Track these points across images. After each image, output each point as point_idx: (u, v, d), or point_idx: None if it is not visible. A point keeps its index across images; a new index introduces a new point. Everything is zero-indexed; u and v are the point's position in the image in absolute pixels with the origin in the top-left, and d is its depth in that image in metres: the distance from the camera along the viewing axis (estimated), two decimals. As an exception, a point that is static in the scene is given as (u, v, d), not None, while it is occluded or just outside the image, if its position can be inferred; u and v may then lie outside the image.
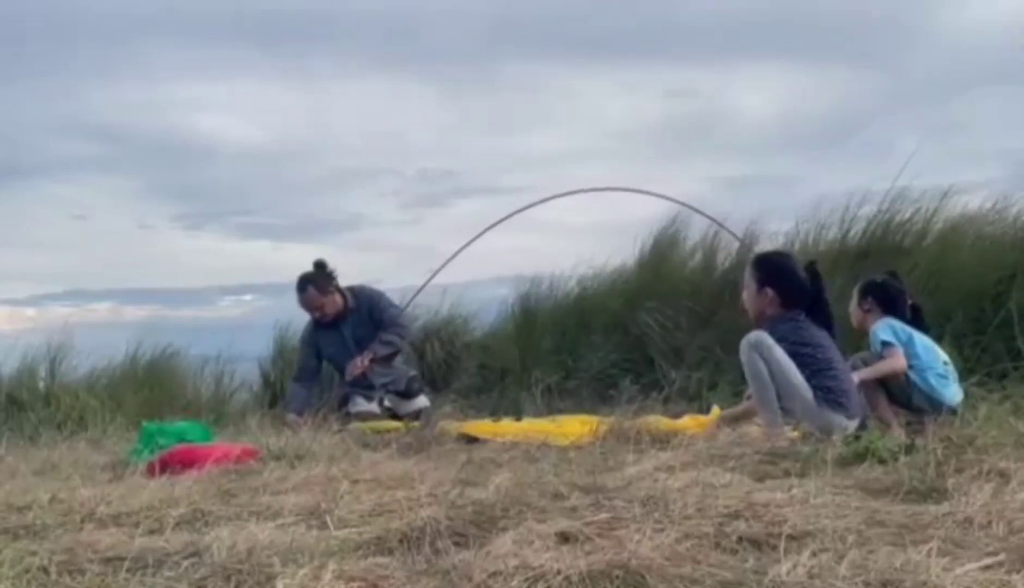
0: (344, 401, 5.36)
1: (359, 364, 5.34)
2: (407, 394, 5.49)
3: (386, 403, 5.46)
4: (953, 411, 3.66)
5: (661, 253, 7.24)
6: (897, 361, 3.86)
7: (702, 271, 6.95)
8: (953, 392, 3.86)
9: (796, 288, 3.80)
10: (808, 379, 3.61)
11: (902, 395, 3.85)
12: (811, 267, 3.89)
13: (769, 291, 3.81)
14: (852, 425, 3.53)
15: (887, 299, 4.09)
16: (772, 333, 3.71)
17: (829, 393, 3.58)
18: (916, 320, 4.08)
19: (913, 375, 3.82)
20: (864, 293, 4.15)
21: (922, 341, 3.94)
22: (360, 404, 5.32)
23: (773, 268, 3.91)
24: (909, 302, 4.11)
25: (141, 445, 3.83)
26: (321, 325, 5.54)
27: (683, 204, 6.86)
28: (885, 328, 3.97)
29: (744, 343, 3.70)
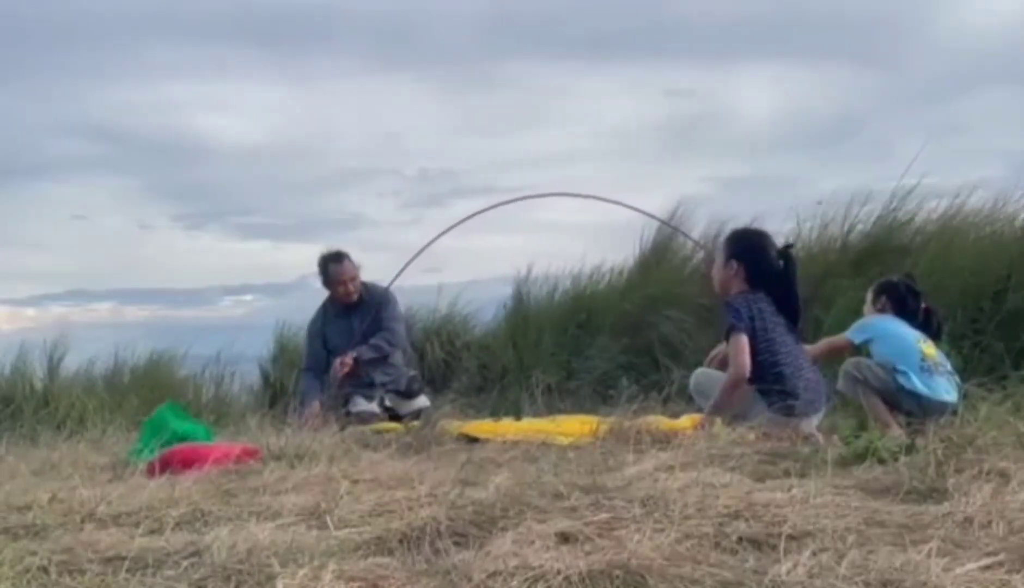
0: (344, 401, 5.37)
1: (340, 364, 5.31)
2: (407, 394, 5.49)
3: (387, 402, 5.46)
4: (950, 409, 3.64)
5: (659, 253, 7.26)
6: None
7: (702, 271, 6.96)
8: (938, 386, 3.81)
9: (763, 267, 3.80)
10: (766, 380, 3.61)
11: (892, 399, 3.84)
12: (785, 251, 3.87)
13: (734, 264, 3.83)
14: (811, 422, 3.53)
15: (900, 299, 4.08)
16: (745, 306, 3.72)
17: (783, 392, 3.58)
18: (927, 325, 4.06)
19: (899, 378, 3.81)
20: (879, 292, 4.15)
21: (899, 342, 3.92)
22: (360, 404, 5.31)
23: (743, 243, 3.94)
24: (923, 306, 4.11)
25: (148, 435, 3.83)
26: (332, 314, 5.51)
27: (656, 219, 6.90)
28: (855, 330, 4.02)
29: (691, 385, 3.93)
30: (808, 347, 4.05)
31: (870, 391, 3.82)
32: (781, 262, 3.82)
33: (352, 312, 5.53)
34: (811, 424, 3.55)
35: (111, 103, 15.64)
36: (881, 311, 4.10)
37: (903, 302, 4.08)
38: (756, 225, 6.89)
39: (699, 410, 4.85)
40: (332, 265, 5.49)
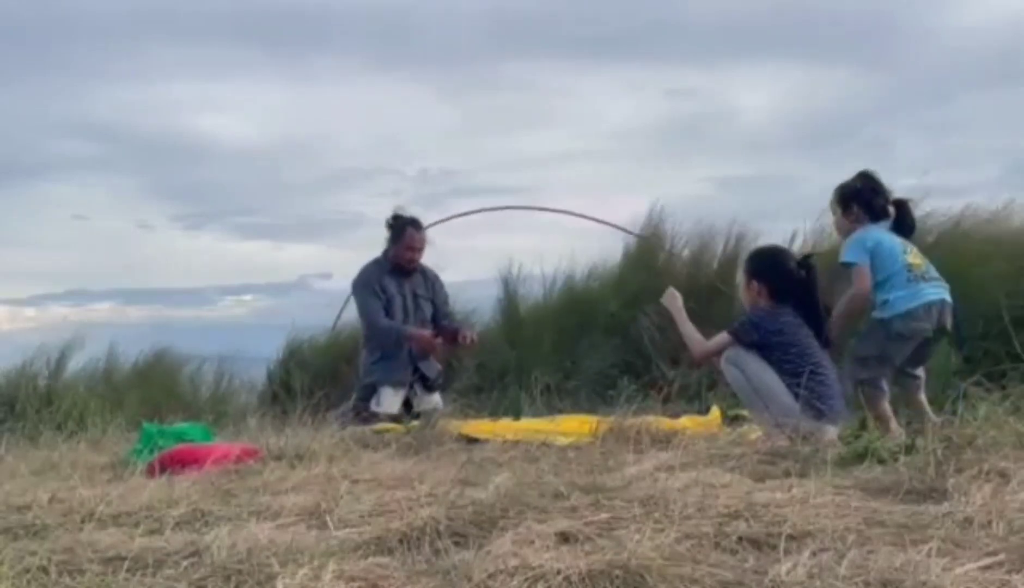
0: (370, 393, 5.33)
1: (469, 340, 5.53)
2: (432, 386, 5.49)
3: (416, 390, 5.42)
4: (941, 306, 3.68)
5: (648, 251, 7.29)
6: (861, 283, 3.85)
7: (694, 267, 6.99)
8: (922, 291, 3.79)
9: (784, 282, 3.84)
10: (794, 382, 3.61)
11: (894, 348, 3.80)
12: (805, 261, 3.91)
13: (755, 284, 3.88)
14: (835, 431, 3.54)
15: (868, 203, 3.97)
16: (767, 325, 3.74)
17: (815, 398, 3.58)
18: (901, 218, 3.99)
19: (885, 311, 3.79)
20: (847, 201, 4.02)
21: (887, 255, 3.85)
22: (386, 400, 5.26)
23: (762, 262, 3.99)
24: (891, 198, 4.02)
25: (141, 445, 3.83)
26: (386, 272, 5.52)
27: (623, 230, 6.99)
28: (852, 247, 3.91)
29: (723, 360, 3.85)
30: (836, 310, 3.95)
31: (876, 392, 3.78)
32: (803, 272, 3.84)
33: (405, 278, 5.54)
34: (835, 432, 3.56)
35: (111, 103, 15.65)
36: (856, 222, 4.00)
37: (870, 205, 3.98)
38: (755, 226, 7.00)
39: (699, 411, 4.88)
40: (411, 229, 5.52)
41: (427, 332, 5.41)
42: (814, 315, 3.80)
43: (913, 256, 3.90)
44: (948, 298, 3.84)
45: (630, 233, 7.24)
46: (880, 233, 3.94)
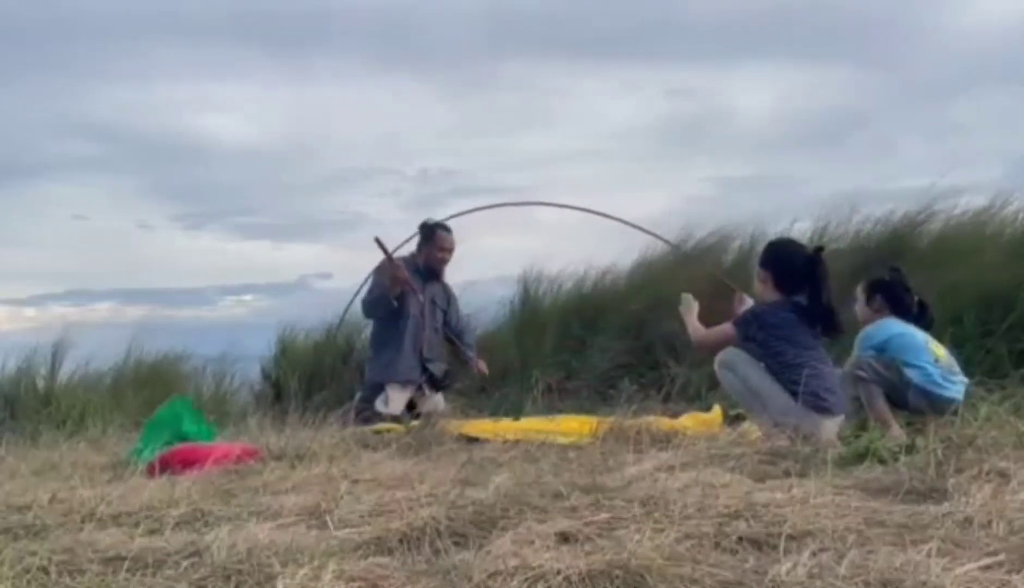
0: (375, 393, 5.32)
1: (478, 368, 5.77)
2: (439, 384, 5.51)
3: (424, 390, 5.42)
4: (954, 407, 3.63)
5: (662, 253, 7.28)
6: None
7: (708, 268, 6.99)
8: (948, 384, 3.80)
9: (789, 273, 3.88)
10: (791, 378, 3.62)
11: (897, 396, 3.83)
12: (814, 253, 3.92)
13: (761, 273, 3.92)
14: (836, 424, 3.53)
15: (895, 297, 4.05)
16: (766, 318, 3.77)
17: (811, 395, 3.58)
18: (922, 317, 4.04)
19: (909, 372, 3.79)
20: (872, 291, 4.11)
21: (911, 340, 3.89)
22: (394, 397, 5.25)
23: (770, 252, 4.05)
24: (916, 299, 4.09)
25: (155, 429, 3.85)
26: (407, 270, 5.50)
27: (627, 223, 6.95)
28: (863, 342, 3.97)
29: (716, 364, 3.88)
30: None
31: (874, 389, 3.79)
32: (811, 264, 3.85)
33: (428, 281, 5.60)
34: (834, 428, 3.55)
35: (111, 103, 15.62)
36: (877, 312, 4.07)
37: (900, 300, 4.05)
38: (757, 225, 7.00)
39: (700, 410, 4.88)
40: (441, 232, 5.61)
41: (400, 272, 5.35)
42: (821, 307, 3.80)
43: (936, 347, 3.91)
44: (961, 396, 3.79)
45: (660, 238, 7.16)
46: (896, 326, 3.95)
